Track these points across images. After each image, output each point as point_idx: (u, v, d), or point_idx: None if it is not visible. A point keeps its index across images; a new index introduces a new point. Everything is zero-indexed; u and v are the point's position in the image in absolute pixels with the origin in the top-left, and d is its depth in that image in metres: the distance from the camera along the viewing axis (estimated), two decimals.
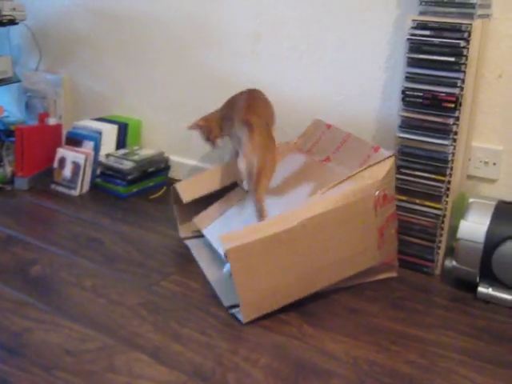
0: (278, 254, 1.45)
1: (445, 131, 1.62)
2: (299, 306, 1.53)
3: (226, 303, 1.51)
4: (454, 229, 1.65)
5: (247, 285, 1.43)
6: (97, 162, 2.27)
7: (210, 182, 1.83)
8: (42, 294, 1.55)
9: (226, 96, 2.19)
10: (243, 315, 1.44)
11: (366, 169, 1.58)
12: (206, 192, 1.80)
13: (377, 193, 1.55)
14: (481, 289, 1.59)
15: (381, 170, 1.57)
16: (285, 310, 1.51)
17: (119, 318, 1.45)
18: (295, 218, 1.46)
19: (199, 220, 1.81)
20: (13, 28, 2.56)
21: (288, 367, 1.30)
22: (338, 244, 1.53)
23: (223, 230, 1.66)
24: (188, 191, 1.79)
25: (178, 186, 1.79)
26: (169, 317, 1.46)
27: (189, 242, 1.83)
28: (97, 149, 2.27)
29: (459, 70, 1.57)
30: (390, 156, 1.60)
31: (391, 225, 1.63)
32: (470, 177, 1.80)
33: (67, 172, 2.26)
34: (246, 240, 1.41)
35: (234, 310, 1.48)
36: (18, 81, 2.61)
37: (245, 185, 1.72)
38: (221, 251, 1.57)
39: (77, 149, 2.28)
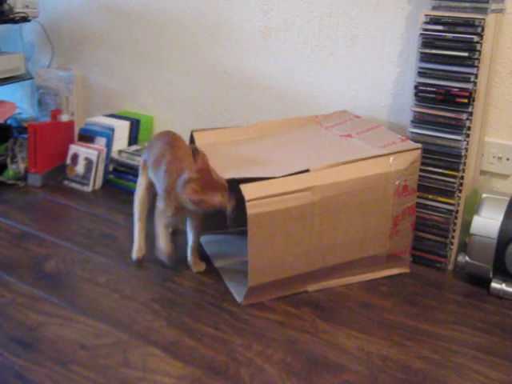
0: (293, 226, 1.47)
1: (458, 126, 1.61)
2: (312, 301, 1.53)
3: (239, 299, 1.52)
4: (466, 224, 1.65)
5: (259, 250, 1.45)
6: (109, 158, 2.27)
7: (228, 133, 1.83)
8: (56, 289, 1.56)
9: (237, 92, 2.19)
10: (250, 279, 1.46)
11: (390, 154, 1.56)
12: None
13: (397, 182, 1.55)
14: (494, 284, 1.58)
15: (405, 160, 1.57)
16: (298, 305, 1.51)
17: (133, 313, 1.46)
18: (317, 192, 1.47)
19: None
20: (25, 25, 2.58)
21: (301, 362, 1.30)
22: (351, 225, 1.54)
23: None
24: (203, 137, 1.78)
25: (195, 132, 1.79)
26: (182, 312, 1.47)
27: (202, 238, 1.84)
28: (109, 145, 2.27)
29: (472, 65, 1.56)
30: (417, 148, 1.59)
31: (408, 218, 1.63)
32: (483, 172, 1.79)
33: (80, 168, 2.27)
34: (268, 207, 1.43)
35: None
36: (31, 78, 2.62)
37: None
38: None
39: (89, 145, 2.29)
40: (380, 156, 1.56)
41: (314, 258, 1.53)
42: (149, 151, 1.68)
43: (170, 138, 1.63)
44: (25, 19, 2.42)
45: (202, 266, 1.68)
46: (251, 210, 1.40)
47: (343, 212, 1.52)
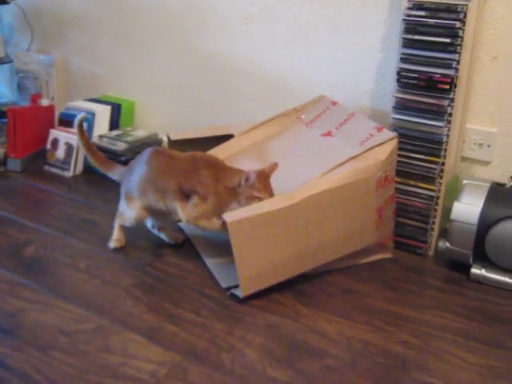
0: (278, 230, 1.45)
1: (439, 113, 1.62)
2: (294, 287, 1.53)
3: (224, 284, 1.52)
4: (447, 210, 1.65)
5: (247, 258, 1.43)
6: None
7: (201, 132, 1.88)
8: (36, 274, 1.54)
9: (219, 77, 2.18)
10: (242, 289, 1.45)
11: (368, 150, 1.58)
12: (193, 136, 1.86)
13: (379, 174, 1.55)
14: (474, 270, 1.60)
15: (384, 151, 1.57)
16: (279, 290, 1.51)
17: (113, 299, 1.45)
18: (296, 195, 1.47)
19: None
20: (4, 7, 2.53)
21: (282, 347, 1.30)
22: (337, 222, 1.54)
23: None
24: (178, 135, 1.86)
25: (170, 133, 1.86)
26: (163, 297, 1.47)
27: (183, 224, 1.83)
28: (90, 130, 2.25)
29: (454, 52, 1.57)
30: (394, 137, 1.60)
31: (389, 206, 1.64)
32: (464, 158, 1.80)
33: (60, 153, 2.25)
34: (246, 214, 1.42)
35: (233, 290, 1.48)
36: (10, 61, 2.58)
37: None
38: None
39: (70, 130, 2.27)
40: (360, 154, 1.58)
41: (304, 260, 1.52)
42: (129, 180, 1.65)
43: (151, 159, 1.61)
44: (3, 1, 2.39)
45: (181, 236, 1.73)
46: (229, 218, 1.40)
47: (327, 210, 1.51)
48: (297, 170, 1.62)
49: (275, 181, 1.55)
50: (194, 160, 1.58)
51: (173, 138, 1.85)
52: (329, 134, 1.72)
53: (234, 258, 1.41)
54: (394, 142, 1.60)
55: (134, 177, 1.63)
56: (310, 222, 1.49)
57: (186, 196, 1.56)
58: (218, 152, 1.79)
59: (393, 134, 1.60)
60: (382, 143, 1.58)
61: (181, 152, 1.62)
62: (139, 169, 1.61)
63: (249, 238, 1.42)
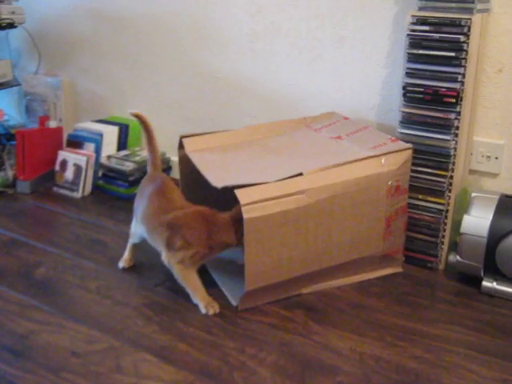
0: (289, 229, 1.46)
1: (446, 126, 1.62)
2: (304, 303, 1.53)
3: (234, 302, 1.52)
4: (457, 224, 1.65)
5: (255, 255, 1.44)
6: (98, 164, 2.26)
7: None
8: (46, 296, 1.55)
9: (225, 96, 2.19)
10: (246, 284, 1.45)
11: (383, 155, 1.57)
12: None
13: (390, 182, 1.55)
14: (485, 283, 1.59)
15: (397, 160, 1.57)
16: (290, 307, 1.51)
17: (124, 319, 1.45)
18: (311, 194, 1.47)
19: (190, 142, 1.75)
20: (12, 31, 2.56)
21: (294, 364, 1.30)
22: (345, 227, 1.54)
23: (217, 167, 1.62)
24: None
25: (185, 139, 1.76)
26: (174, 317, 1.47)
27: None
28: (98, 151, 2.26)
29: (459, 65, 1.57)
30: (408, 148, 1.60)
31: (400, 218, 1.63)
32: (472, 171, 1.80)
33: (69, 174, 2.26)
34: (263, 211, 1.42)
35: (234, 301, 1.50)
36: (18, 84, 2.61)
37: None
38: None
39: (78, 151, 2.28)
40: (372, 157, 1.56)
41: (309, 261, 1.53)
42: (136, 199, 1.64)
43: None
44: (11, 25, 2.41)
45: None
46: (247, 214, 1.40)
47: (338, 214, 1.52)
48: (302, 163, 1.59)
49: (277, 172, 1.53)
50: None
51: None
52: (338, 137, 1.72)
53: (244, 253, 1.42)
54: (408, 153, 1.60)
55: (139, 199, 1.63)
56: (321, 224, 1.50)
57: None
58: (220, 137, 1.78)
59: (407, 145, 1.60)
60: (397, 151, 1.58)
61: (179, 201, 1.56)
62: (142, 196, 1.60)
63: (262, 235, 1.43)
